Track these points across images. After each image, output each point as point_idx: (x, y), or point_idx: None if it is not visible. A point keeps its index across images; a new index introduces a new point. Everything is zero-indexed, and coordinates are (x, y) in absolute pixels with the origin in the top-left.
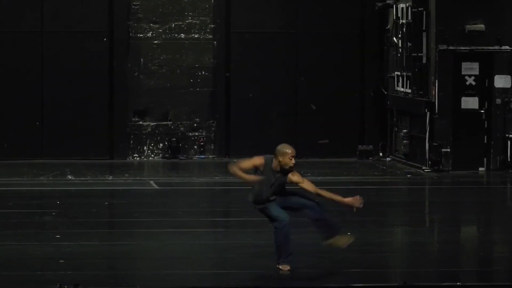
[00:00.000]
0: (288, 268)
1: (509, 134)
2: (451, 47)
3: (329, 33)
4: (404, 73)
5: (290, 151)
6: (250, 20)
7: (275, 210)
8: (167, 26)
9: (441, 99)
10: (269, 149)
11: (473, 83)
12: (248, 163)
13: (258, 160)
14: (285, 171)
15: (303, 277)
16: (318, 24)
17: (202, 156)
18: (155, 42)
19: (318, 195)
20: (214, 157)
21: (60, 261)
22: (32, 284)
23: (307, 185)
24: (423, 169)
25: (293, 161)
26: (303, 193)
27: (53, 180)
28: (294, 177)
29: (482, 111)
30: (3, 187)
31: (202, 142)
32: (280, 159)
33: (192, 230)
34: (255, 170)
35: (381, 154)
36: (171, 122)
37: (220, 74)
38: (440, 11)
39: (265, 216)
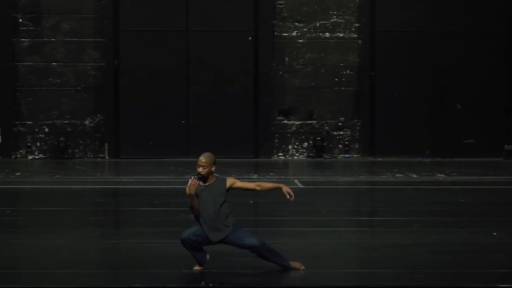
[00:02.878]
0: None
1: None
2: None
3: (476, 31)
4: None
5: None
6: (395, 19)
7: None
8: (311, 25)
9: None
10: (414, 148)
11: None
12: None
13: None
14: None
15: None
16: (465, 23)
17: (347, 155)
18: (300, 41)
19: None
20: (358, 156)
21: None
22: (177, 282)
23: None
24: None
25: (199, 169)
26: None
27: None
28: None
29: None
30: (150, 185)
31: (346, 141)
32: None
33: (337, 229)
34: None
35: None
36: (315, 121)
37: (364, 73)
38: None
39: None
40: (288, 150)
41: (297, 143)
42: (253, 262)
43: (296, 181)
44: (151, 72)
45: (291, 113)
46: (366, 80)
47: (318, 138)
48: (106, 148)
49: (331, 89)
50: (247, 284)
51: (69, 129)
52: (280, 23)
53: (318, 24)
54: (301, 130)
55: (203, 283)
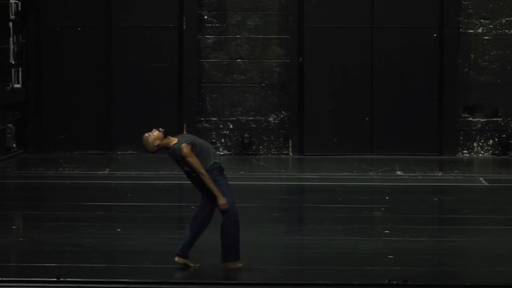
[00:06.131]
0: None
1: None
2: None
3: None
4: None
5: None
6: None
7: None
8: (497, 21)
9: None
10: None
11: None
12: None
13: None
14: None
15: None
16: None
17: None
18: (486, 38)
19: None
20: None
21: (389, 256)
22: (361, 278)
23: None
24: None
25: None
26: None
27: (382, 175)
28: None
29: None
30: (333, 182)
31: None
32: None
33: None
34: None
35: None
36: (501, 119)
37: None
38: None
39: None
40: (473, 147)
41: (482, 141)
42: (436, 259)
43: (481, 178)
44: (335, 69)
45: (476, 110)
46: None
47: (504, 135)
48: (290, 144)
49: None
50: (430, 281)
51: (253, 126)
52: (466, 20)
53: (504, 21)
54: (486, 128)
55: (386, 280)
